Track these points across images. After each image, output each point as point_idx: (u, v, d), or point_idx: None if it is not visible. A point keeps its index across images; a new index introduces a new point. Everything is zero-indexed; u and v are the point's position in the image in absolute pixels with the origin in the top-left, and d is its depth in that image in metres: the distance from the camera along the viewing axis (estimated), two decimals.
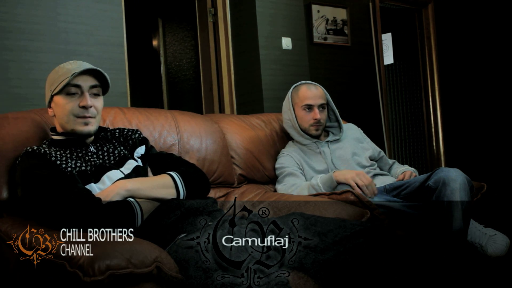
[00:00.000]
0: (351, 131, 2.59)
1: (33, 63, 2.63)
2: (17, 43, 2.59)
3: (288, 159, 2.41)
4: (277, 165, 2.44)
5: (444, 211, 1.98)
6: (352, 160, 2.41)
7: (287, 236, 1.48)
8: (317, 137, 2.47)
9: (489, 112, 5.35)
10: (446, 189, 1.99)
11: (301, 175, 2.36)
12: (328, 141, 2.48)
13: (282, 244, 1.46)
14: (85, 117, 1.61)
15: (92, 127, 1.64)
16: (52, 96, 1.63)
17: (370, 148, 2.53)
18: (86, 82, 1.62)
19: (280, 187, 2.34)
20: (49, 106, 1.66)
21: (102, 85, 1.68)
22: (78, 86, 1.61)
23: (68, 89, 1.60)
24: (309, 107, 2.43)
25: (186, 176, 1.65)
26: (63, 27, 2.74)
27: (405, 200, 2.17)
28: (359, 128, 2.67)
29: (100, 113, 1.68)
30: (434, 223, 2.02)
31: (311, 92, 2.45)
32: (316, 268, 1.45)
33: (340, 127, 2.55)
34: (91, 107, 1.61)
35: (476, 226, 2.10)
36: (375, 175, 2.40)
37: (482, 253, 2.06)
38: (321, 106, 2.44)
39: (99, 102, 1.65)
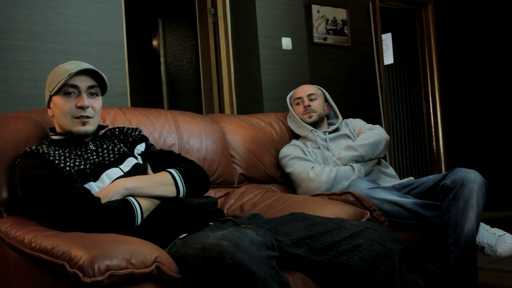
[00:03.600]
0: (349, 125, 2.67)
1: (33, 63, 2.63)
2: (17, 43, 2.59)
3: (291, 148, 2.51)
4: (281, 156, 2.51)
5: (458, 211, 1.98)
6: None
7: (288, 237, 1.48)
8: (313, 125, 2.59)
9: (489, 112, 5.35)
10: (464, 189, 2.00)
11: (310, 158, 2.44)
12: (326, 131, 2.56)
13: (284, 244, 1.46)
14: (82, 117, 1.61)
15: (89, 127, 1.63)
16: (50, 97, 1.63)
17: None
18: (84, 82, 1.62)
19: (298, 169, 2.38)
20: (48, 107, 1.66)
21: (100, 85, 1.68)
22: (75, 86, 1.61)
23: (66, 89, 1.60)
24: (300, 100, 2.63)
25: (186, 173, 1.64)
26: (62, 27, 2.74)
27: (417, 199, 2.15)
28: (358, 119, 2.72)
29: (98, 113, 1.68)
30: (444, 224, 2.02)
31: (301, 88, 2.68)
32: (316, 269, 1.45)
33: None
34: (88, 107, 1.61)
35: (484, 227, 2.10)
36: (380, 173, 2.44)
37: (492, 254, 2.06)
38: (311, 96, 2.62)
39: (97, 102, 1.65)
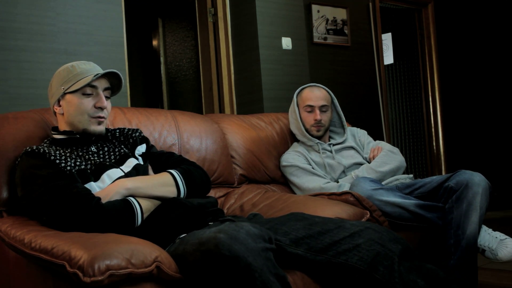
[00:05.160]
0: (356, 137, 2.60)
1: (33, 63, 2.63)
2: (17, 43, 2.59)
3: (296, 156, 2.45)
4: (284, 163, 2.45)
5: (461, 213, 1.98)
6: (349, 170, 2.42)
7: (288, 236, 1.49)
8: (319, 138, 2.50)
9: (489, 112, 5.35)
10: (468, 192, 2.00)
11: (318, 172, 2.38)
12: (330, 143, 2.50)
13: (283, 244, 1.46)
14: (99, 117, 1.64)
15: (104, 127, 1.68)
16: (64, 94, 1.64)
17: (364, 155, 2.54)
18: (101, 84, 1.66)
19: (306, 184, 2.34)
20: (58, 104, 1.66)
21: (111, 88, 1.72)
22: (94, 87, 1.64)
23: (85, 90, 1.62)
24: (311, 108, 2.48)
25: (187, 174, 1.65)
26: (62, 27, 2.74)
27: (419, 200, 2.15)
28: (363, 131, 2.67)
29: (108, 115, 1.71)
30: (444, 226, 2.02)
31: (313, 94, 2.51)
32: (315, 268, 1.46)
33: (344, 132, 2.59)
34: (105, 107, 1.65)
35: (486, 230, 2.10)
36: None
37: (492, 257, 2.05)
38: (323, 108, 2.49)
39: (109, 104, 1.69)
